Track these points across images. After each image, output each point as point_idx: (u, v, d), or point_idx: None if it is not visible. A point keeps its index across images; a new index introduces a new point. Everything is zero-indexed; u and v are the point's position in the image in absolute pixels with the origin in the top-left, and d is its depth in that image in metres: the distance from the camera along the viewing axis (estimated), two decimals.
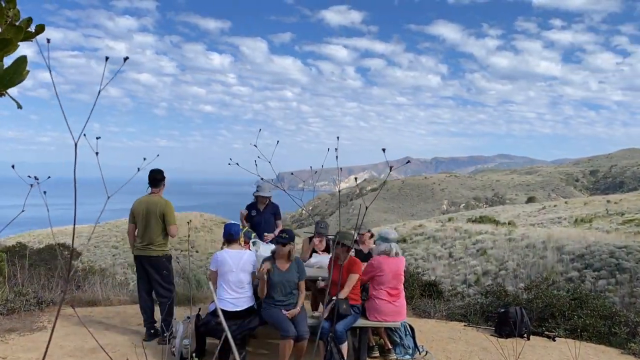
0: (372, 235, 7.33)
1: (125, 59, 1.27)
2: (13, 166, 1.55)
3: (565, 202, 65.66)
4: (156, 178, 6.54)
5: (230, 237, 5.80)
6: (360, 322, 5.96)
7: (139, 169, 1.84)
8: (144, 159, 2.00)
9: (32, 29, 0.92)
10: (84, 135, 1.18)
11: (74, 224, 1.27)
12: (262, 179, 7.47)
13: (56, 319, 1.16)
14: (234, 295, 5.58)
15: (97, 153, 1.41)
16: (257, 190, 7.64)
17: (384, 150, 2.01)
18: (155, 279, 6.46)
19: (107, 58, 1.17)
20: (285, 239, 5.64)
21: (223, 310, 5.41)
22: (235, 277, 5.58)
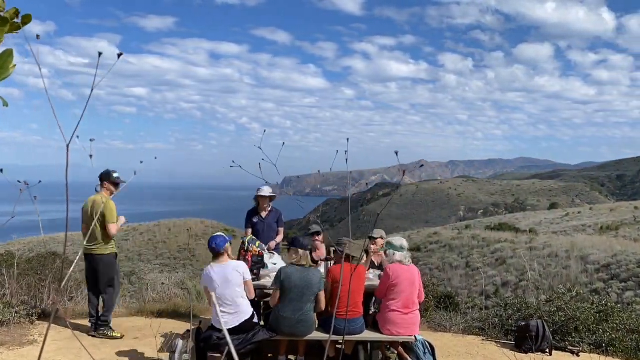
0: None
1: (120, 55, 1.27)
2: (2, 170, 1.55)
3: (590, 209, 65.31)
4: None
5: (212, 250, 5.69)
6: (373, 336, 5.91)
7: (135, 173, 1.84)
8: (141, 162, 2.02)
9: (18, 20, 0.91)
10: (77, 137, 1.18)
11: (66, 230, 1.26)
12: (257, 186, 7.50)
13: (47, 333, 1.15)
14: (225, 311, 5.50)
15: (91, 156, 1.41)
16: (257, 191, 7.71)
17: (396, 153, 2.00)
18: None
19: (100, 54, 1.17)
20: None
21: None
22: (221, 293, 5.47)
